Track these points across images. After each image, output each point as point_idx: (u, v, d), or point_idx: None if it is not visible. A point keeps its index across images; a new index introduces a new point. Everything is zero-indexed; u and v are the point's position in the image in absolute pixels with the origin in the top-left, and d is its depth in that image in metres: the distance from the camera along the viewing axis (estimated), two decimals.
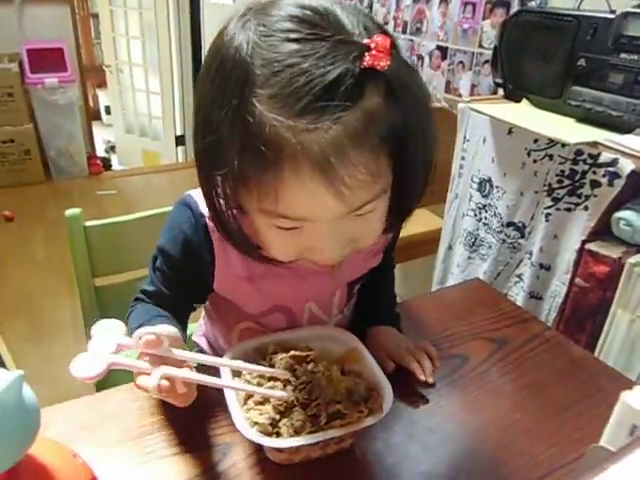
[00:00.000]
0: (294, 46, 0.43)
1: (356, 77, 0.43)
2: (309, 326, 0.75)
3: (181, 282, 0.69)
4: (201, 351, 0.92)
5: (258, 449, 0.63)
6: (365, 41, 0.44)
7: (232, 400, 0.59)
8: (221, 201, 0.54)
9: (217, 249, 0.64)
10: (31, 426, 0.41)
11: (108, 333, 0.51)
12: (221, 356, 0.65)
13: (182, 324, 0.70)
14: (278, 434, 0.58)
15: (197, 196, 0.64)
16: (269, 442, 0.56)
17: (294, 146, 0.43)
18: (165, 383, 0.48)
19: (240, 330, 0.78)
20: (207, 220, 0.63)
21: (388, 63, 0.44)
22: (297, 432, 0.58)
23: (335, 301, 0.77)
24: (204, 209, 0.62)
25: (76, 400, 0.70)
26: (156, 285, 0.69)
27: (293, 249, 0.55)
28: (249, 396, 0.62)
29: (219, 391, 0.61)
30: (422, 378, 0.71)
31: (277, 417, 0.59)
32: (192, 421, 0.67)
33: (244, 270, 0.66)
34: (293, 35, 0.44)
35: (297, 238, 0.52)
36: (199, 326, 0.94)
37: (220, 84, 0.47)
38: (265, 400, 0.61)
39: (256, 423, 0.58)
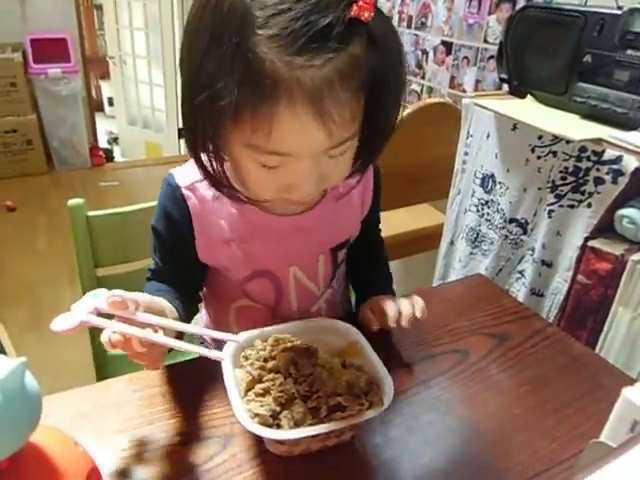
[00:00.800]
0: None
1: (345, 24, 0.48)
2: (311, 319, 0.75)
3: (172, 256, 0.72)
4: (203, 344, 0.93)
5: (258, 441, 0.63)
6: None
7: (233, 391, 0.59)
8: (208, 144, 0.57)
9: (194, 215, 0.68)
10: (33, 413, 0.41)
11: (93, 298, 0.55)
12: (221, 348, 0.65)
13: (188, 300, 0.73)
14: (279, 426, 0.58)
15: (176, 172, 0.70)
16: (270, 434, 0.56)
17: (291, 80, 0.47)
18: (116, 337, 0.51)
19: (235, 310, 0.79)
20: (183, 190, 0.68)
21: (372, 15, 0.50)
22: (297, 424, 0.58)
23: (320, 268, 0.77)
24: (181, 181, 0.68)
25: (76, 390, 0.70)
26: (156, 263, 0.74)
27: (273, 187, 0.58)
28: (249, 388, 0.62)
29: (220, 382, 0.61)
30: (392, 325, 0.72)
31: (278, 409, 0.59)
32: (192, 412, 0.67)
33: (223, 233, 0.69)
34: None
35: (278, 176, 0.56)
36: (199, 321, 0.95)
37: (218, 24, 0.49)
38: (266, 392, 0.61)
39: (257, 415, 0.58)
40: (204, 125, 0.55)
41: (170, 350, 0.61)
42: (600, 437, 0.45)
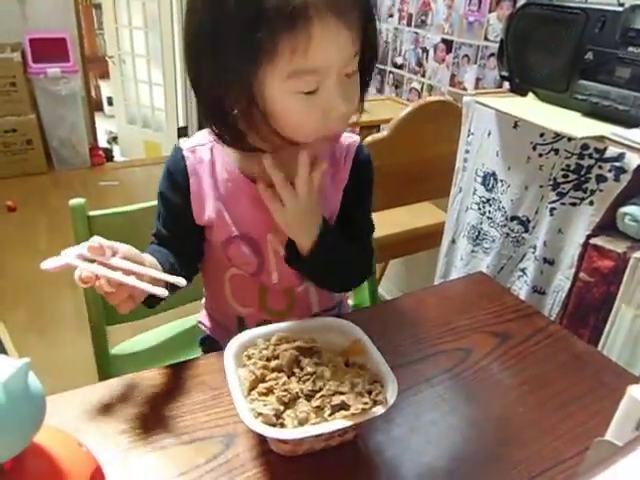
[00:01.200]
0: None
1: None
2: (314, 318, 0.75)
3: (173, 219, 0.79)
4: (206, 336, 0.94)
5: (261, 440, 0.63)
6: None
7: (236, 391, 0.59)
8: (229, 103, 0.65)
9: (190, 172, 0.75)
10: (37, 414, 0.41)
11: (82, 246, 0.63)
12: (223, 344, 0.65)
13: (183, 267, 0.77)
14: (282, 425, 0.58)
15: (183, 139, 0.80)
16: (273, 433, 0.56)
17: (317, 1, 0.57)
18: (87, 274, 0.59)
19: (229, 280, 0.82)
20: (184, 151, 0.76)
21: None
22: (301, 423, 0.58)
23: None
24: (184, 145, 0.77)
25: (79, 390, 0.70)
26: (157, 227, 0.80)
27: (313, 117, 0.65)
28: (253, 387, 0.62)
29: (223, 381, 0.61)
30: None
31: (281, 408, 0.59)
32: (195, 411, 0.67)
33: (211, 191, 0.76)
34: None
35: (317, 101, 0.64)
36: (201, 310, 0.97)
37: None
38: (269, 391, 0.61)
39: (260, 414, 0.57)
40: (239, 75, 0.62)
41: (147, 302, 0.69)
42: (605, 435, 0.45)
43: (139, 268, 0.63)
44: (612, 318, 1.00)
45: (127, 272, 0.61)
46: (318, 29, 0.58)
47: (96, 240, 0.62)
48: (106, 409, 0.67)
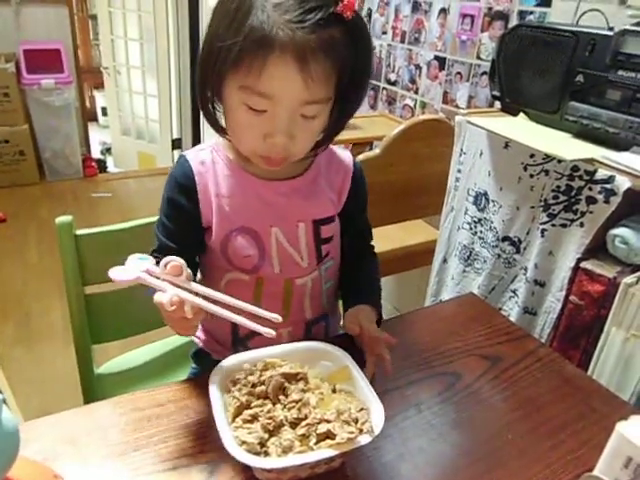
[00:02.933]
0: None
1: (330, 14, 0.64)
2: (301, 342, 0.74)
3: (181, 223, 0.80)
4: (198, 349, 0.94)
5: (246, 468, 0.61)
6: None
7: (220, 418, 0.58)
8: (211, 93, 0.73)
9: (195, 173, 0.79)
10: (10, 450, 0.40)
11: (141, 260, 0.62)
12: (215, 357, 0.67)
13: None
14: (266, 453, 0.57)
15: (185, 152, 0.82)
16: (257, 462, 0.55)
17: (285, 37, 0.63)
18: (176, 299, 0.59)
19: (224, 286, 0.83)
20: (187, 157, 0.80)
21: (351, 15, 0.66)
22: (285, 452, 0.57)
23: (300, 235, 0.82)
24: (187, 153, 0.81)
25: (61, 414, 0.69)
26: (160, 242, 0.80)
27: (255, 134, 0.71)
28: (237, 414, 0.61)
29: (207, 406, 0.60)
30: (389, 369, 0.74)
31: (266, 436, 0.58)
32: (178, 437, 0.66)
33: (215, 188, 0.79)
34: None
35: (260, 122, 0.69)
36: None
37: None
38: (254, 418, 0.60)
39: (244, 442, 0.56)
40: (212, 76, 0.69)
41: None
42: (594, 470, 0.44)
43: (230, 299, 0.63)
44: (602, 340, 0.99)
45: (209, 299, 0.62)
46: (275, 62, 0.64)
47: (178, 260, 0.62)
48: (87, 434, 0.66)
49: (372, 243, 0.95)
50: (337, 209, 0.86)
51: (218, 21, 0.69)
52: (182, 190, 0.79)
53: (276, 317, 0.63)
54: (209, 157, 0.81)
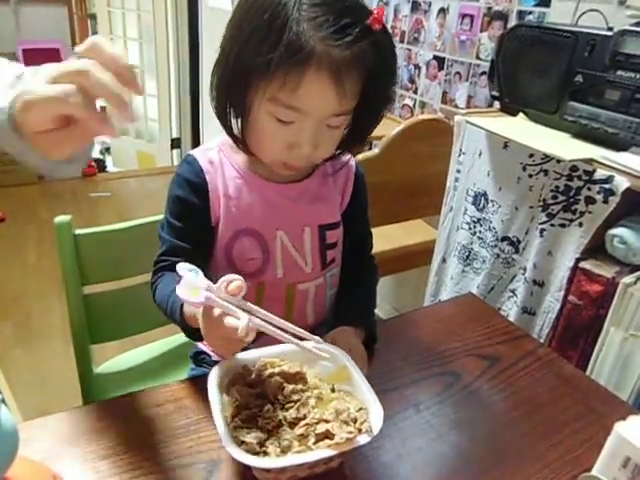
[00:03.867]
0: None
1: (363, 27, 0.65)
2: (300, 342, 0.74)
3: (192, 221, 0.78)
4: (197, 350, 0.93)
5: (245, 468, 0.61)
6: (372, 8, 0.67)
7: (219, 418, 0.58)
8: (228, 102, 0.73)
9: (205, 172, 0.78)
10: (9, 450, 0.40)
11: (189, 271, 0.59)
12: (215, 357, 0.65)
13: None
14: (265, 453, 0.57)
15: (191, 151, 0.82)
16: (255, 462, 0.55)
17: (322, 53, 0.63)
18: (252, 326, 0.57)
19: None
20: (196, 156, 0.79)
21: (380, 27, 0.66)
22: (284, 452, 0.57)
23: (306, 240, 0.82)
24: (194, 152, 0.81)
25: (60, 414, 0.69)
26: (170, 242, 0.78)
27: (279, 144, 0.71)
28: (236, 414, 0.61)
29: (206, 406, 0.60)
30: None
31: (264, 436, 0.58)
32: (178, 437, 0.66)
33: (222, 188, 0.78)
34: None
35: (286, 132, 0.69)
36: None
37: (271, 5, 0.64)
38: (252, 418, 0.60)
39: (243, 442, 0.56)
40: (237, 85, 0.69)
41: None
42: (592, 470, 0.44)
43: (284, 324, 0.62)
44: (601, 340, 0.99)
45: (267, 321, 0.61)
46: (311, 78, 0.64)
47: (239, 279, 0.59)
48: (86, 435, 0.66)
49: (372, 253, 0.94)
50: (341, 211, 0.86)
51: (249, 32, 0.66)
52: (193, 188, 0.78)
53: (318, 339, 0.65)
54: (217, 157, 0.80)
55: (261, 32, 0.64)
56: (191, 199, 0.78)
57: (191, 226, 0.79)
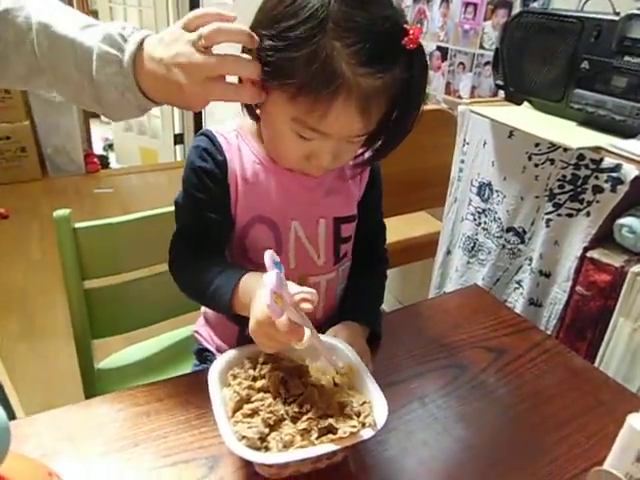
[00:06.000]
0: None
1: (397, 50, 0.62)
2: None
3: (212, 193, 0.75)
4: (201, 348, 0.92)
5: (246, 462, 0.60)
6: (407, 27, 0.63)
7: (220, 413, 0.57)
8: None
9: (226, 151, 0.76)
10: None
11: (279, 272, 0.55)
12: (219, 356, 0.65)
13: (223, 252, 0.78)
14: (267, 448, 0.56)
15: (213, 123, 0.81)
16: (257, 458, 0.54)
17: (352, 82, 0.61)
18: (308, 333, 0.57)
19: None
20: (214, 132, 0.77)
21: (415, 47, 0.63)
22: (286, 447, 0.56)
23: (320, 232, 0.80)
24: (212, 127, 0.78)
25: (59, 409, 0.68)
26: (194, 212, 0.76)
27: (297, 155, 0.70)
28: (237, 408, 0.60)
29: (207, 400, 0.59)
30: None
31: (266, 431, 0.57)
32: (178, 432, 0.65)
33: (240, 170, 0.76)
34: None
35: (305, 146, 0.68)
36: (198, 319, 0.95)
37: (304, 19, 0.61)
38: (254, 413, 0.59)
39: (244, 437, 0.55)
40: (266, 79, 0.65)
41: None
42: (604, 464, 0.43)
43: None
44: (610, 332, 0.98)
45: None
46: (339, 108, 0.62)
47: (309, 291, 0.57)
48: (87, 430, 0.65)
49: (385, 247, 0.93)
50: (355, 205, 0.84)
51: (284, 45, 0.62)
52: (215, 161, 0.75)
53: (342, 367, 0.63)
54: (235, 141, 0.78)
55: (294, 49, 0.61)
56: (214, 171, 0.75)
57: (216, 197, 0.76)
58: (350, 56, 0.60)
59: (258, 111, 0.73)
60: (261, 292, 0.59)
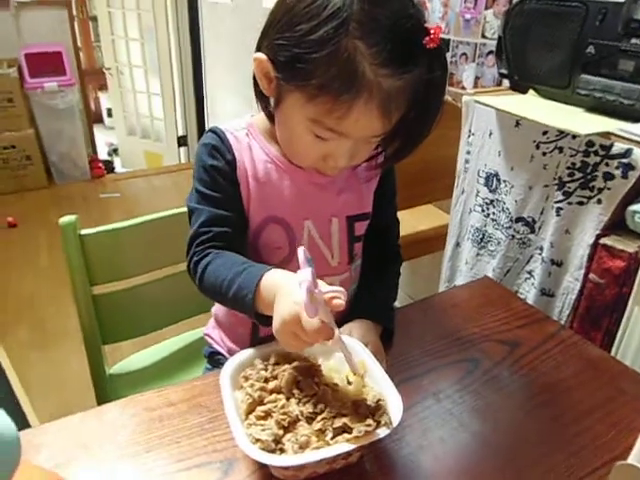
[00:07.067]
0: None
1: (418, 50, 0.61)
2: None
3: (225, 190, 0.74)
4: (212, 351, 0.91)
5: (262, 466, 0.60)
6: (428, 26, 0.62)
7: (233, 416, 0.56)
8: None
9: (235, 150, 0.75)
10: (8, 461, 0.38)
11: (312, 269, 0.54)
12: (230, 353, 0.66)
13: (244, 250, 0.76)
14: (282, 450, 0.55)
15: (218, 123, 0.79)
16: (272, 460, 0.53)
17: (374, 83, 0.60)
18: (336, 334, 0.56)
19: None
20: (223, 129, 0.76)
21: (436, 45, 0.62)
22: (302, 448, 0.55)
23: (333, 231, 0.79)
24: (221, 125, 0.77)
25: (71, 417, 0.67)
26: (209, 211, 0.73)
27: (314, 154, 0.69)
28: (250, 410, 0.59)
29: (220, 403, 0.58)
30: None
31: (280, 432, 0.56)
32: (191, 436, 0.64)
33: (251, 170, 0.75)
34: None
35: (323, 146, 0.67)
36: (209, 322, 0.94)
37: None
38: (267, 414, 0.58)
39: (258, 440, 0.54)
40: (283, 78, 0.64)
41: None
42: (629, 458, 0.41)
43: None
44: (625, 320, 0.96)
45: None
46: (360, 109, 0.61)
47: (343, 295, 0.55)
48: (98, 437, 0.64)
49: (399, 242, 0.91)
50: (369, 205, 0.83)
51: (304, 46, 0.60)
52: (222, 155, 0.74)
53: (359, 370, 0.61)
54: (245, 139, 0.77)
55: (317, 47, 0.59)
56: (226, 169, 0.74)
57: (230, 195, 0.74)
58: (372, 56, 0.59)
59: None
60: (288, 289, 0.58)
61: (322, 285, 0.55)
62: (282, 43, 0.62)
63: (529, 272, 1.21)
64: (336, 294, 0.54)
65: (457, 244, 1.42)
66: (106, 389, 1.00)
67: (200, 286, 0.73)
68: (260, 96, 0.73)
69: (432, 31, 0.61)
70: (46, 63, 3.28)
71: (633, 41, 1.01)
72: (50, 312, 2.30)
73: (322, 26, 0.59)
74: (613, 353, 0.98)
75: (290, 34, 0.61)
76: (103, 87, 4.89)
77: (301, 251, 0.55)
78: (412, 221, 1.73)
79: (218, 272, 0.69)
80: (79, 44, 3.82)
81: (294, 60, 0.61)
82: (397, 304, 0.87)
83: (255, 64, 0.67)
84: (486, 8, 1.74)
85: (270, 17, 0.66)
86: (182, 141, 4.20)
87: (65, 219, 0.90)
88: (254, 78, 0.70)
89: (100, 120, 5.03)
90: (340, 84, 0.60)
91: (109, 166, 3.97)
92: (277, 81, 0.66)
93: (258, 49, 0.67)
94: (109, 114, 4.90)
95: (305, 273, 0.52)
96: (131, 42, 4.10)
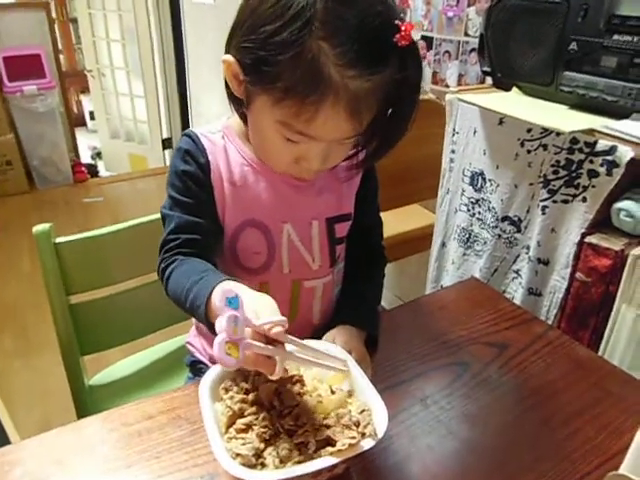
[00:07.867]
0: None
1: (388, 49, 0.59)
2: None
3: (197, 197, 0.72)
4: (194, 359, 0.89)
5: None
6: (398, 23, 0.59)
7: (212, 431, 0.54)
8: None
9: (208, 152, 0.73)
10: None
11: (233, 312, 0.50)
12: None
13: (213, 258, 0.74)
14: (263, 465, 0.53)
15: (200, 125, 0.78)
16: (252, 476, 0.51)
17: (340, 85, 0.58)
18: (283, 370, 0.54)
19: None
20: (198, 134, 0.74)
21: (407, 43, 0.59)
22: (283, 462, 0.53)
23: (314, 234, 0.78)
24: (197, 129, 0.75)
25: (49, 433, 0.65)
26: (179, 218, 0.72)
27: (286, 158, 0.68)
28: (231, 423, 0.57)
29: (201, 417, 0.56)
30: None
31: (261, 446, 0.54)
32: (172, 450, 0.62)
33: (227, 174, 0.74)
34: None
35: (294, 149, 0.66)
36: (190, 330, 0.92)
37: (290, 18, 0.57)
38: (248, 427, 0.56)
39: (238, 455, 0.52)
40: (250, 79, 0.63)
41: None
42: (620, 468, 0.40)
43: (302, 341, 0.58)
44: (613, 319, 0.95)
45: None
46: (327, 111, 0.59)
47: (284, 324, 0.53)
48: (76, 453, 0.62)
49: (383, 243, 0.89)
50: (352, 207, 0.81)
51: (268, 49, 0.58)
52: (198, 164, 0.73)
53: (342, 367, 0.60)
54: (221, 142, 0.75)
55: (279, 48, 0.57)
56: (198, 174, 0.72)
57: (202, 201, 0.73)
58: (337, 57, 0.57)
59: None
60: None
61: (259, 317, 0.52)
62: (247, 46, 0.60)
63: (516, 271, 1.20)
64: (274, 324, 0.52)
65: (443, 244, 1.40)
66: (86, 401, 0.97)
67: (166, 294, 0.71)
68: (232, 98, 0.70)
69: (403, 28, 0.59)
70: (25, 66, 3.21)
71: (615, 37, 1.00)
72: (33, 319, 2.25)
73: (286, 27, 0.57)
74: (601, 351, 0.97)
75: (255, 36, 0.59)
76: (85, 90, 4.82)
77: (218, 293, 0.53)
78: (398, 221, 1.71)
79: (179, 280, 0.67)
80: (60, 46, 3.76)
81: (260, 63, 0.59)
82: (384, 305, 0.86)
83: (224, 66, 0.65)
84: (468, 6, 1.73)
85: (236, 18, 0.64)
86: (167, 143, 4.15)
87: (39, 228, 0.87)
88: (225, 80, 0.68)
89: (83, 123, 4.95)
90: (305, 87, 0.58)
91: (92, 170, 3.91)
92: (245, 84, 0.64)
93: (227, 51, 0.65)
94: (92, 117, 4.83)
95: (220, 323, 0.49)
96: (112, 43, 4.04)
